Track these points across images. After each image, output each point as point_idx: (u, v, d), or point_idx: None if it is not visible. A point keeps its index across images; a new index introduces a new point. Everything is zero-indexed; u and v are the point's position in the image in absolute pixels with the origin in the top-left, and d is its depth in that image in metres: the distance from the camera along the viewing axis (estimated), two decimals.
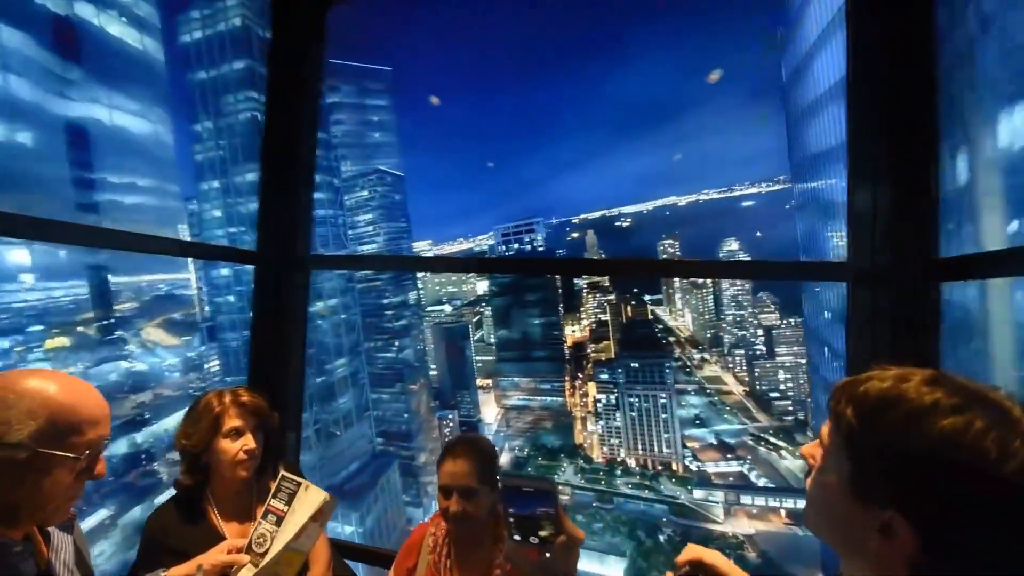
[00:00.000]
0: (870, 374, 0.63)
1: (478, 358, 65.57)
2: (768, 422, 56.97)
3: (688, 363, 76.14)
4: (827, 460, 0.65)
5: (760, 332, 66.09)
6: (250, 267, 2.47)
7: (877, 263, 1.54)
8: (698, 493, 47.23)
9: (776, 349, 61.59)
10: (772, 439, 53.90)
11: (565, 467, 55.17)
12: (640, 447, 52.19)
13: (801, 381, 57.29)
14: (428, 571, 1.52)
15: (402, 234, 58.31)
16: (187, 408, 1.53)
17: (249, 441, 1.45)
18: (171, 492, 1.54)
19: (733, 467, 51.09)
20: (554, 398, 60.16)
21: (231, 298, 37.54)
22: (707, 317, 79.50)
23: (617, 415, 53.27)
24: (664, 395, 50.74)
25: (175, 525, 1.44)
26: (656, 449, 51.60)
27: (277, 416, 1.58)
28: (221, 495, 1.51)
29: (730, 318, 72.85)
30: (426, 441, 51.84)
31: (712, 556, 0.78)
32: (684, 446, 52.63)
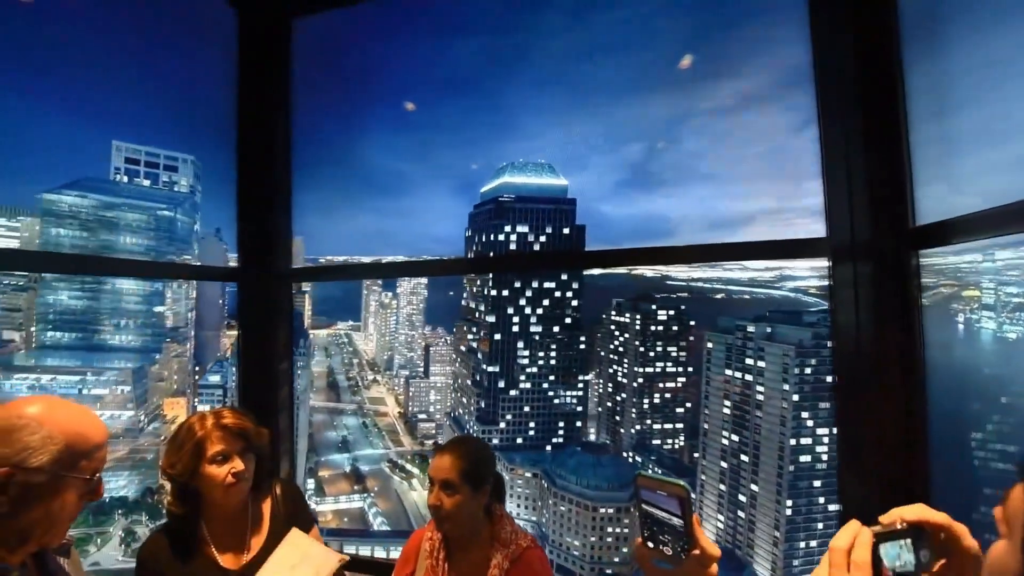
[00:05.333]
0: None
1: None
2: (410, 446, 54.43)
3: (359, 383, 70.49)
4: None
5: (421, 352, 65.07)
6: None
7: (857, 236, 1.56)
8: None
9: (431, 368, 60.73)
10: (408, 466, 50.77)
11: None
12: None
13: (449, 403, 56.90)
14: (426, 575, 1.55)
15: None
16: (172, 434, 1.49)
17: (237, 464, 1.41)
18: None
19: (355, 503, 44.91)
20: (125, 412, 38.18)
21: None
22: (387, 338, 76.44)
23: None
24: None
25: (168, 554, 1.42)
26: None
27: (267, 433, 1.53)
28: (214, 520, 1.47)
29: (403, 338, 70.67)
30: None
31: (940, 516, 0.65)
32: (310, 474, 44.23)
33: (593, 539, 36.28)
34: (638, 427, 45.67)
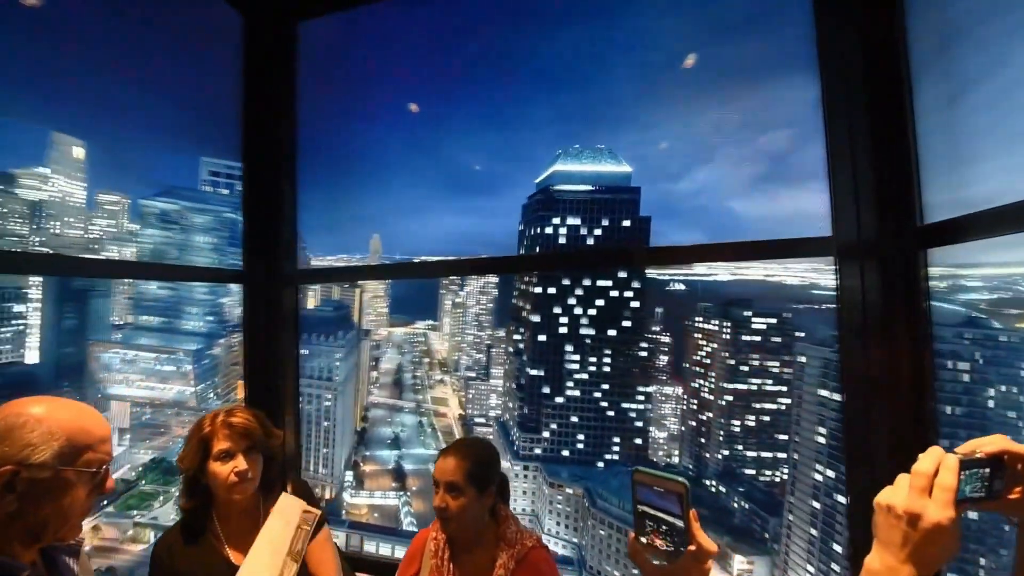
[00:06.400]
0: None
1: None
2: None
3: (425, 382, 71.08)
4: None
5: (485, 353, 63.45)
6: None
7: (863, 235, 1.55)
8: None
9: (492, 370, 58.67)
10: None
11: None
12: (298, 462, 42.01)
13: (511, 405, 54.49)
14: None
15: None
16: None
17: (240, 463, 1.41)
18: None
19: (391, 500, 44.07)
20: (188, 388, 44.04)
21: None
22: (458, 339, 76.46)
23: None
24: (330, 395, 41.78)
25: (181, 549, 1.44)
26: (313, 467, 42.01)
27: (279, 435, 1.53)
28: (225, 517, 1.48)
29: (470, 338, 69.84)
30: None
31: (1021, 447, 0.67)
32: (353, 466, 44.40)
33: (636, 572, 31.03)
34: (726, 452, 39.16)
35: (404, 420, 59.03)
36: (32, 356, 41.84)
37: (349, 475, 43.76)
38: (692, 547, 0.71)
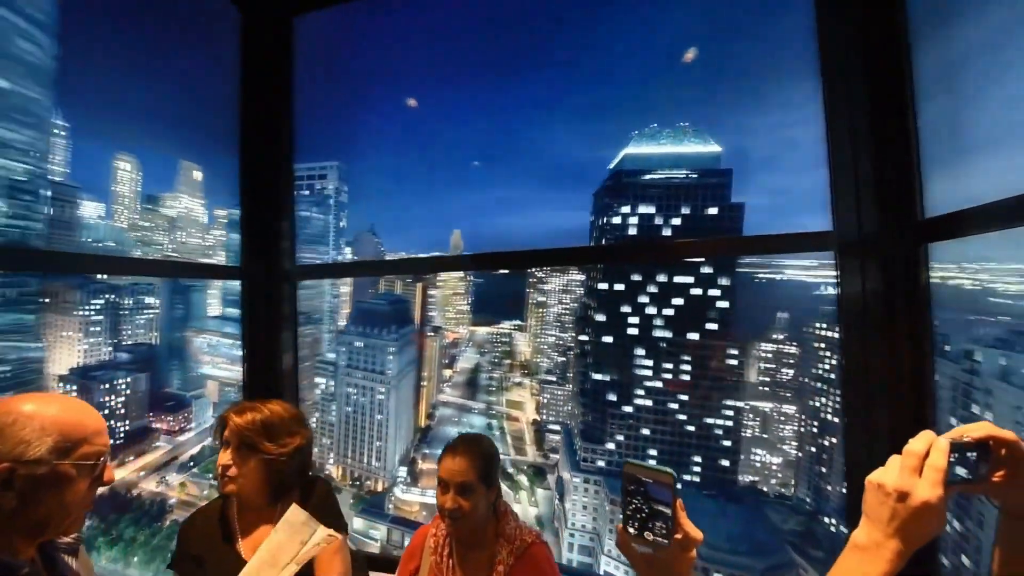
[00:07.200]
0: None
1: None
2: (533, 456, 49.52)
3: (501, 384, 69.03)
4: None
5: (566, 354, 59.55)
6: None
7: (863, 229, 1.55)
8: (359, 523, 35.30)
9: (567, 373, 54.66)
10: (519, 476, 45.88)
11: None
12: (351, 454, 42.12)
13: (575, 411, 50.24)
14: (431, 572, 1.54)
15: None
16: None
17: (223, 458, 1.41)
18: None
19: None
20: None
21: None
22: (540, 340, 73.44)
23: (333, 408, 42.99)
24: (383, 389, 41.01)
25: (201, 532, 1.46)
26: (366, 460, 41.66)
27: (290, 442, 1.47)
28: (242, 511, 1.47)
29: (551, 340, 66.36)
30: None
31: (1007, 432, 0.69)
32: (409, 463, 43.40)
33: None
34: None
35: (473, 421, 57.40)
36: (155, 339, 47.65)
37: (403, 471, 42.79)
38: (679, 535, 0.73)
